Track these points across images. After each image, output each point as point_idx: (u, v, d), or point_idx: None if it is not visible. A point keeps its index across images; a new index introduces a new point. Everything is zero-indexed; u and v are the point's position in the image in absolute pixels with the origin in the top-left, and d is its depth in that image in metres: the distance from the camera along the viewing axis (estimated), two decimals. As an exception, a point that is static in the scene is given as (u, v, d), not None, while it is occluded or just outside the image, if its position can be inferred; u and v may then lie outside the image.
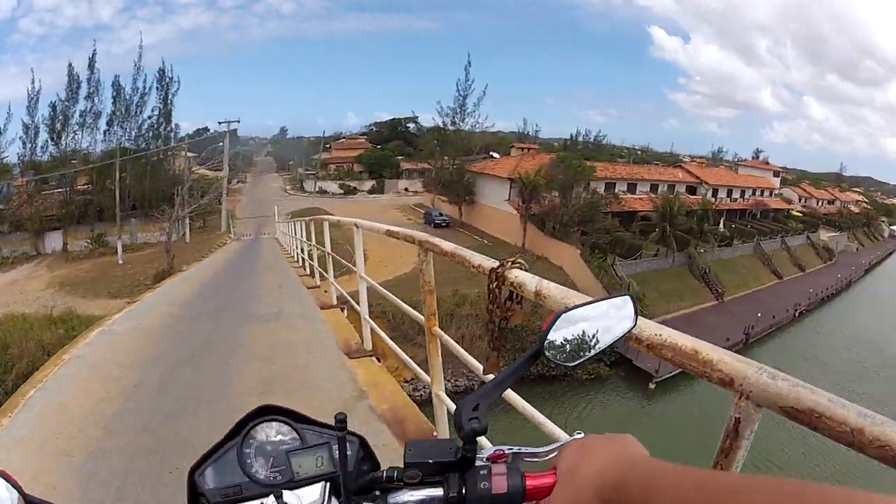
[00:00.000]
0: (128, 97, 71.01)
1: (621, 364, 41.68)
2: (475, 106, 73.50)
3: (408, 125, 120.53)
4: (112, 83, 70.87)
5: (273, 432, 1.60)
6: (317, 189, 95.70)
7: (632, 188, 71.59)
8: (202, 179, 68.09)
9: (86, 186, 70.54)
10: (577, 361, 1.40)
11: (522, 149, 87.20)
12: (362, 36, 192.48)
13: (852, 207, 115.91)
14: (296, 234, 24.44)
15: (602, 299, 1.44)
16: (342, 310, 12.13)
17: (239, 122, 66.99)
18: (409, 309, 6.42)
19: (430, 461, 1.27)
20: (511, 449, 1.27)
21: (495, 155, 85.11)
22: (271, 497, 1.40)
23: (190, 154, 72.43)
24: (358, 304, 9.12)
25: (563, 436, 1.76)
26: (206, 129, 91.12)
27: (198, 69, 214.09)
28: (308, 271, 18.57)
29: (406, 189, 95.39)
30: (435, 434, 5.57)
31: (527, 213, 57.97)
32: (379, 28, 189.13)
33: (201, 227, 67.41)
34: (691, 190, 76.63)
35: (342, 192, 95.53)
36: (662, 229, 57.31)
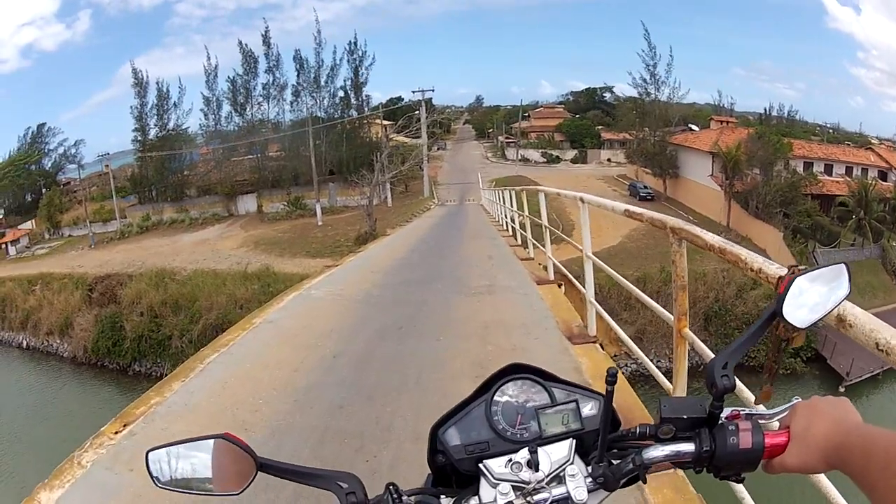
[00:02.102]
0: (313, 70, 73.96)
1: (815, 361, 38.72)
2: (667, 74, 70.27)
3: (604, 94, 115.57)
4: (294, 57, 74.36)
5: (521, 390, 1.57)
6: (519, 157, 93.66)
7: (828, 169, 65.88)
8: (401, 146, 68.90)
9: (278, 153, 73.67)
10: (809, 324, 1.45)
11: (721, 122, 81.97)
12: (542, 4, 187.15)
13: None
14: (505, 202, 23.62)
15: (823, 266, 1.49)
16: (559, 286, 10.89)
17: (433, 90, 66.99)
18: (657, 306, 5.56)
19: (685, 416, 1.32)
20: (744, 410, 1.33)
21: (694, 127, 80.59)
22: (524, 451, 1.42)
23: (385, 122, 73.61)
24: (581, 283, 8.12)
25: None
26: (399, 99, 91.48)
27: (379, 43, 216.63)
28: (519, 241, 17.45)
29: (609, 160, 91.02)
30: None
31: (730, 189, 54.59)
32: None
33: (403, 192, 67.55)
34: (882, 175, 70.14)
35: (545, 160, 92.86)
36: (859, 217, 52.68)
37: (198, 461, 1.40)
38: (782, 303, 1.40)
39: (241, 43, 73.64)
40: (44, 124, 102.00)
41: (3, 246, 76.95)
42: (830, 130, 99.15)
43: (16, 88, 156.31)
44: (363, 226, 46.26)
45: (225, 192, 70.42)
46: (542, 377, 1.58)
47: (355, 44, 74.86)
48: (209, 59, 74.07)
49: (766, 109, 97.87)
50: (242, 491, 1.38)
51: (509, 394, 1.55)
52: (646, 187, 65.90)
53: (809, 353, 38.05)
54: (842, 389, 37.16)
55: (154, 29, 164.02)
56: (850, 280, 1.48)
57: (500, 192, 26.88)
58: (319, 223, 57.33)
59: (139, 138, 75.89)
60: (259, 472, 1.38)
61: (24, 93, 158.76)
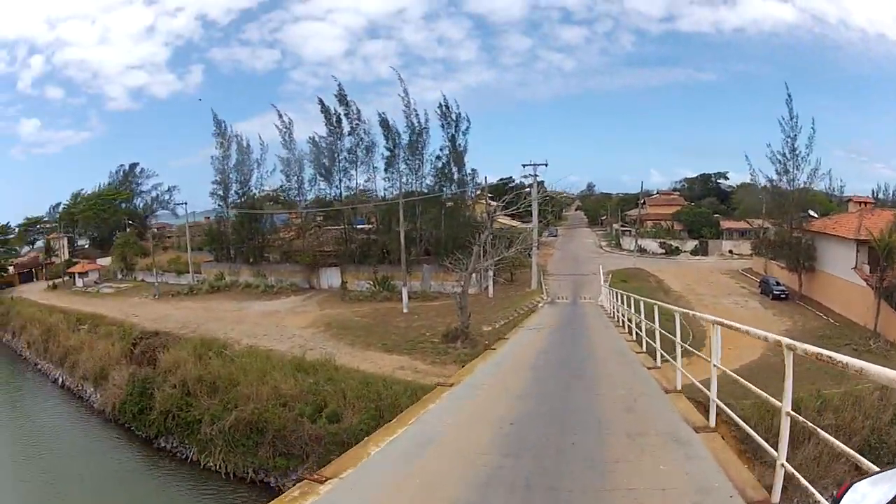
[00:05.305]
0: (405, 135, 67.06)
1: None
2: (807, 150, 57.58)
3: (718, 181, 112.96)
4: (380, 121, 67.47)
5: None
6: (636, 247, 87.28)
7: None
8: (508, 230, 60.17)
9: (370, 226, 68.70)
10: None
11: (860, 203, 71.53)
12: (647, 91, 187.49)
13: None
14: (635, 310, 20.25)
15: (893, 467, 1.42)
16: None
17: (546, 165, 58.56)
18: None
19: None
20: None
21: (812, 213, 71.95)
22: None
23: (492, 202, 64.86)
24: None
25: None
26: (510, 179, 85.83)
27: (490, 125, 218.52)
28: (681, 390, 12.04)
29: (730, 251, 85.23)
30: None
31: (880, 284, 43.54)
32: (662, 83, 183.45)
33: (508, 282, 61.72)
34: None
35: (663, 251, 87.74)
36: None
37: None
38: None
39: (320, 101, 68.33)
40: (136, 164, 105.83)
41: (72, 276, 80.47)
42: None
43: (125, 127, 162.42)
44: (455, 320, 38.42)
45: (306, 261, 65.34)
46: None
47: (447, 107, 66.77)
48: (281, 116, 70.15)
49: (873, 191, 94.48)
50: None
51: None
52: (778, 284, 56.94)
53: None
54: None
55: (268, 93, 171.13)
56: None
57: (630, 299, 20.94)
58: (405, 310, 49.85)
59: (219, 192, 73.14)
60: None
61: (131, 133, 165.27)
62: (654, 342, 15.69)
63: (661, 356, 15.28)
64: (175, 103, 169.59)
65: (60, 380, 46.82)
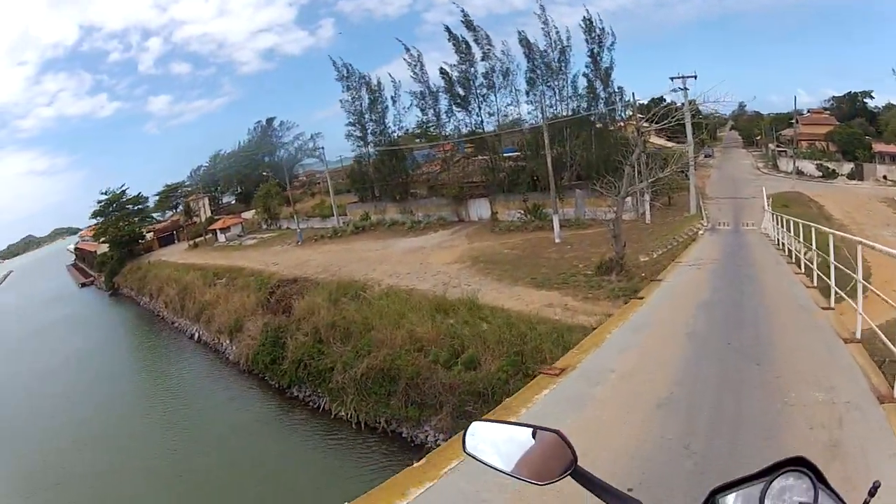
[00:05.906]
0: (543, 52, 62.85)
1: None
2: None
3: (864, 100, 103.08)
4: (519, 40, 63.21)
5: (796, 483, 1.55)
6: (794, 169, 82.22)
7: None
8: (662, 150, 56.91)
9: (517, 153, 65.52)
10: None
11: None
12: (786, 8, 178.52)
13: None
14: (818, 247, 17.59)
15: None
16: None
17: (696, 77, 53.00)
18: None
19: None
20: None
21: None
22: None
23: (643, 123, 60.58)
24: None
25: None
26: (660, 99, 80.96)
27: (631, 50, 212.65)
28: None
29: (885, 177, 76.61)
30: None
31: None
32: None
33: (666, 206, 56.80)
34: None
35: (820, 174, 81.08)
36: None
37: (513, 444, 1.72)
38: None
39: (447, 28, 64.97)
40: (273, 118, 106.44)
41: (214, 233, 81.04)
42: None
43: (260, 87, 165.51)
44: (609, 249, 34.67)
45: (453, 194, 63.34)
46: (822, 481, 1.53)
47: (590, 21, 61.80)
48: (408, 51, 67.11)
49: None
50: (547, 484, 1.64)
51: (786, 483, 1.51)
52: None
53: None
54: None
55: (405, 37, 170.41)
56: None
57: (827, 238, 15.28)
58: (557, 240, 46.12)
59: (356, 133, 71.72)
60: (569, 476, 1.60)
61: (268, 91, 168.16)
62: (856, 303, 10.96)
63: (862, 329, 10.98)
64: (309, 58, 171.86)
65: (197, 335, 48.02)
